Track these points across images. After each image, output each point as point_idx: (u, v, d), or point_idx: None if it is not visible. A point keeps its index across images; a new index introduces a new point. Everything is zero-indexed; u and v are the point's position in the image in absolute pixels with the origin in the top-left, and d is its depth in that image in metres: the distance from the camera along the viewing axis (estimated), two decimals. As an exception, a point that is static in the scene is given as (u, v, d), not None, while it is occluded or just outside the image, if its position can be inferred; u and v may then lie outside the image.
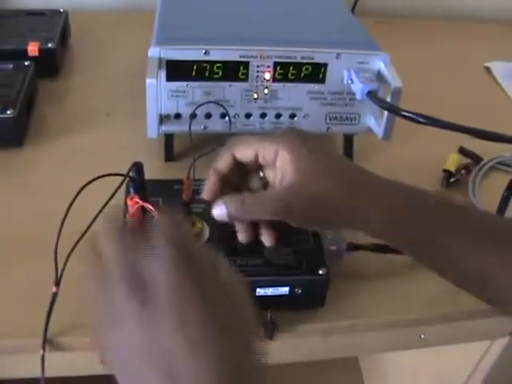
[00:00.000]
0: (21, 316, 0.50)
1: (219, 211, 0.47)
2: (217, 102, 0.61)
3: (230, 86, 0.61)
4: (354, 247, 0.56)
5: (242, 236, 0.50)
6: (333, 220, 0.48)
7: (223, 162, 0.50)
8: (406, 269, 0.58)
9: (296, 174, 0.46)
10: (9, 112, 0.66)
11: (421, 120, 0.52)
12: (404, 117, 0.54)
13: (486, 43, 1.06)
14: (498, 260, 0.47)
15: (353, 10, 1.04)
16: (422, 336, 0.57)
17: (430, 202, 0.49)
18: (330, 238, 0.55)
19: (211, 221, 0.49)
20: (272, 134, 0.49)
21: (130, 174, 0.47)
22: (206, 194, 0.50)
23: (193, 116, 0.62)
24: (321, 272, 0.50)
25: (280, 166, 0.47)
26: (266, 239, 0.50)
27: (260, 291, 0.49)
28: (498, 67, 0.96)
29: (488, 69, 0.96)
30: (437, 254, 0.48)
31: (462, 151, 0.74)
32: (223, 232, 0.51)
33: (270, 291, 0.49)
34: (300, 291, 0.50)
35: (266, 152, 0.48)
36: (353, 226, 0.48)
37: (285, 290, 0.50)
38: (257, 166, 0.51)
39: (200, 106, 0.61)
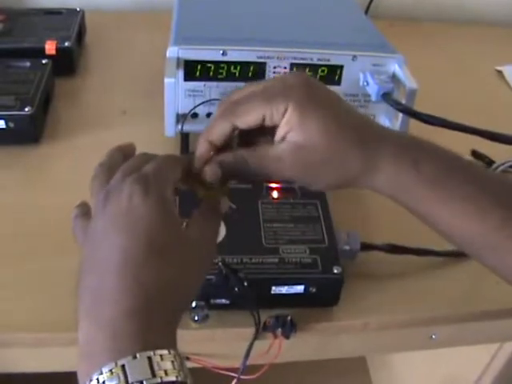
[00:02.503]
0: (36, 310, 0.51)
1: (213, 171, 0.43)
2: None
3: (247, 86, 0.62)
4: (367, 247, 0.56)
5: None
6: (336, 179, 0.44)
7: (219, 134, 0.43)
8: (418, 269, 0.58)
9: (304, 135, 0.41)
10: (26, 109, 0.67)
11: (434, 122, 0.52)
12: (418, 118, 0.54)
13: (497, 47, 1.06)
14: None
15: (366, 12, 1.05)
16: (433, 336, 0.57)
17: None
18: (345, 237, 0.55)
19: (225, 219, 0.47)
20: (274, 83, 0.43)
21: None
22: (197, 163, 0.43)
23: (208, 115, 0.63)
24: (335, 271, 0.50)
25: (285, 124, 0.42)
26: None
27: (275, 289, 0.50)
28: (509, 71, 0.96)
29: (500, 72, 0.96)
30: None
31: (474, 154, 0.74)
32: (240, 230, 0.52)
33: (285, 289, 0.50)
34: (314, 290, 0.50)
35: (274, 115, 0.42)
36: (355, 184, 0.44)
37: (300, 288, 0.50)
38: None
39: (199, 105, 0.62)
